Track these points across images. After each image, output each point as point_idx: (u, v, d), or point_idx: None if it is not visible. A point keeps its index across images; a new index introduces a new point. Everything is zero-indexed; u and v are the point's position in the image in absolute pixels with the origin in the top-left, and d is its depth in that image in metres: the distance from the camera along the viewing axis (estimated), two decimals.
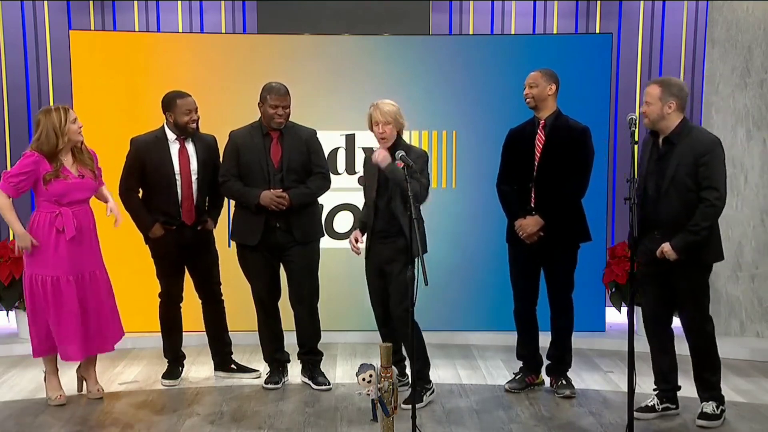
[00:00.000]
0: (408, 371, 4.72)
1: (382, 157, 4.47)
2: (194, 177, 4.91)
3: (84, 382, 4.85)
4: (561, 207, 4.72)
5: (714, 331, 4.35)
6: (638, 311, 5.90)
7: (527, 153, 4.75)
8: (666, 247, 4.18)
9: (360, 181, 4.86)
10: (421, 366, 4.63)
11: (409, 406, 3.96)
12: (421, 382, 4.65)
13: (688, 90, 4.37)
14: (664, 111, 4.23)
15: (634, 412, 4.02)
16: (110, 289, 4.79)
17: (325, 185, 4.99)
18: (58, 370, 4.76)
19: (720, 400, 4.39)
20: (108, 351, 4.81)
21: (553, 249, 4.75)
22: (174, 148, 4.90)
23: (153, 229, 4.90)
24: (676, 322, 4.45)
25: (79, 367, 4.82)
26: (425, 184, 4.52)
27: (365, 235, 4.76)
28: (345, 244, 6.05)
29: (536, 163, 4.71)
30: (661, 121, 4.25)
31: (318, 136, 5.01)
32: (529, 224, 4.70)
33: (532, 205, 4.72)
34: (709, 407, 4.34)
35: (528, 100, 4.77)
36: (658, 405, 4.47)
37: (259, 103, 4.84)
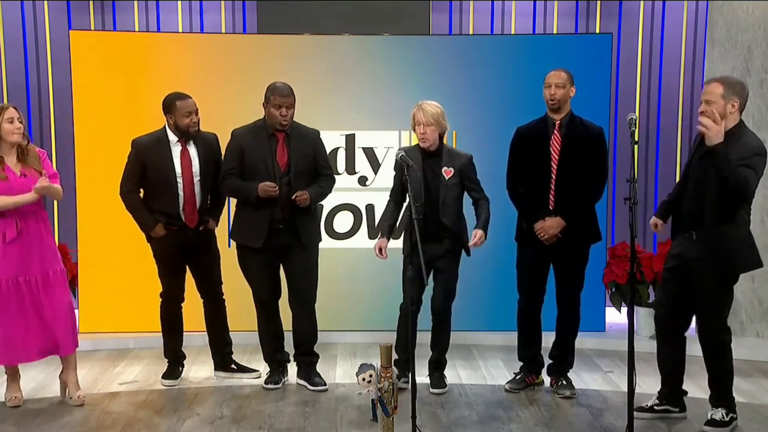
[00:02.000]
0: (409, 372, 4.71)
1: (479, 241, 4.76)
2: (196, 179, 4.88)
3: (66, 388, 4.76)
4: (581, 208, 4.71)
5: (731, 341, 4.26)
6: (638, 311, 5.94)
7: (542, 154, 4.71)
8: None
9: (395, 178, 4.89)
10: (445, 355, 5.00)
11: (442, 390, 4.78)
12: (440, 369, 4.99)
13: (748, 91, 4.23)
14: (726, 110, 4.06)
15: (635, 411, 4.01)
16: (64, 296, 4.65)
17: (332, 186, 5.01)
18: (18, 371, 4.72)
19: (731, 408, 4.30)
20: (61, 355, 4.68)
21: (566, 248, 4.74)
22: (176, 151, 4.87)
23: (155, 229, 4.88)
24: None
25: (61, 372, 4.77)
26: (487, 201, 4.86)
27: (394, 233, 4.92)
28: (345, 244, 6.10)
29: (554, 165, 4.68)
30: (723, 120, 4.03)
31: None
32: (552, 226, 4.68)
33: (551, 208, 4.70)
34: (718, 414, 4.27)
35: (553, 101, 4.68)
36: (657, 406, 4.46)
37: (263, 103, 4.81)
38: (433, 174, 4.73)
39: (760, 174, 4.08)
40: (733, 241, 4.12)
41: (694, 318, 4.37)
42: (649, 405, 4.46)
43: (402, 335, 4.85)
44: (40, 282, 4.55)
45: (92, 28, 6.81)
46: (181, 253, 4.96)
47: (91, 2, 6.85)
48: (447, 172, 4.71)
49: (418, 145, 4.82)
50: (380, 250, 4.81)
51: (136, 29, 6.83)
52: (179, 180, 4.85)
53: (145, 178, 4.90)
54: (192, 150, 4.90)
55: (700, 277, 4.19)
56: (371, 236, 6.01)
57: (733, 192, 4.00)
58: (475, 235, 4.72)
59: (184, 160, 4.86)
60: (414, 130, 4.77)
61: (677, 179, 6.97)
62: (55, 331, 4.60)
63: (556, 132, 4.72)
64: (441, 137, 4.77)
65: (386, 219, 4.97)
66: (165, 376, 5.12)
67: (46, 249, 4.60)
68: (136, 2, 6.87)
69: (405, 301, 4.83)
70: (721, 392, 4.29)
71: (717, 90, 4.08)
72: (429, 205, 4.69)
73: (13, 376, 4.71)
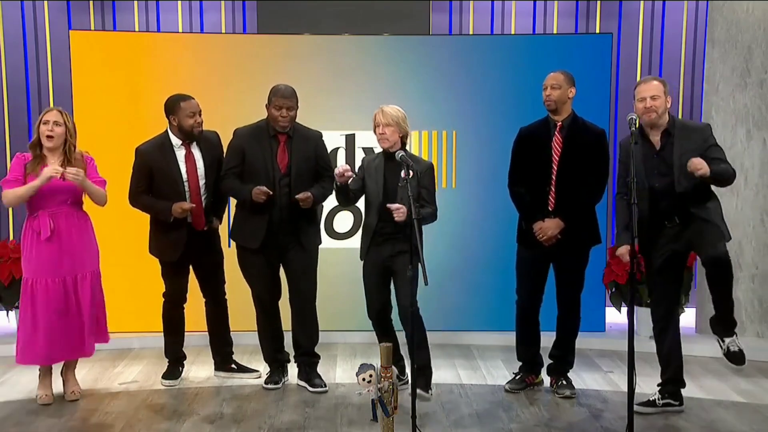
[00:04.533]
0: (408, 371, 4.71)
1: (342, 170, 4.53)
2: (202, 182, 4.86)
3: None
4: (581, 211, 4.72)
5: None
6: (638, 311, 5.94)
7: (543, 156, 4.71)
8: (698, 161, 4.19)
9: (356, 172, 4.84)
10: (427, 358, 4.78)
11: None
12: (426, 375, 4.80)
13: None
14: (666, 105, 4.42)
15: (635, 407, 4.03)
16: (98, 295, 4.75)
17: (333, 188, 5.00)
18: (51, 370, 4.78)
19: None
20: (85, 356, 4.78)
21: (566, 250, 4.74)
22: (180, 154, 4.85)
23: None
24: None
25: (61, 370, 4.82)
26: (435, 210, 4.70)
27: (350, 195, 4.76)
28: (345, 244, 6.11)
29: (555, 167, 4.68)
30: (664, 114, 4.41)
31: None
32: (550, 227, 4.68)
33: (551, 209, 4.70)
34: (735, 346, 4.40)
35: (549, 102, 4.69)
36: (659, 400, 4.51)
37: (266, 105, 4.81)
38: (393, 176, 4.61)
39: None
40: (718, 214, 4.41)
41: (688, 313, 4.48)
42: (651, 399, 4.53)
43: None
44: (72, 283, 4.63)
45: (92, 28, 6.81)
46: (186, 253, 4.93)
47: (91, 2, 6.86)
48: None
49: (380, 152, 4.75)
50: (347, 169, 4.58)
51: (136, 29, 6.84)
52: (185, 183, 4.84)
53: (152, 184, 4.87)
54: (196, 152, 4.89)
55: (702, 247, 4.36)
56: None
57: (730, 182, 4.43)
58: (398, 207, 4.43)
59: (189, 163, 4.85)
60: (375, 132, 4.69)
61: None
62: (82, 332, 4.67)
63: (557, 133, 4.72)
64: (403, 142, 4.67)
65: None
66: (165, 376, 5.12)
67: (83, 250, 4.68)
68: (136, 2, 6.87)
69: (369, 307, 4.78)
70: (728, 307, 4.40)
71: (660, 86, 4.42)
72: (383, 207, 4.59)
73: (47, 372, 4.76)
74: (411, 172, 4.19)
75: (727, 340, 4.40)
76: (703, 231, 4.34)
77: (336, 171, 4.60)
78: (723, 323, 4.41)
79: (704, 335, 5.88)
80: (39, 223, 4.57)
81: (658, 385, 4.58)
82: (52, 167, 4.51)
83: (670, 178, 4.35)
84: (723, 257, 4.30)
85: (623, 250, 4.41)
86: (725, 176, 4.33)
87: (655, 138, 4.42)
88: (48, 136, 4.57)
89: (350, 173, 4.61)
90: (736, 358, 4.37)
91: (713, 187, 4.43)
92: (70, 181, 4.54)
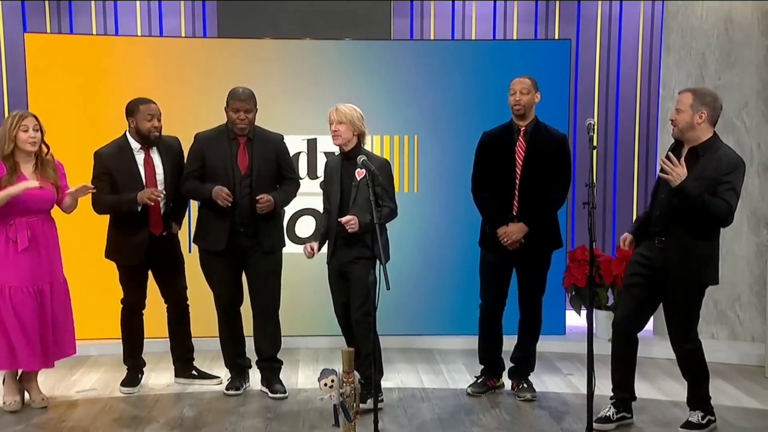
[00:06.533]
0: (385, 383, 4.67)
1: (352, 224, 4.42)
2: (161, 188, 4.80)
3: (26, 394, 4.76)
4: (544, 215, 4.76)
5: (701, 345, 4.37)
6: (597, 314, 6.01)
7: (507, 160, 4.74)
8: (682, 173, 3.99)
9: (321, 185, 4.84)
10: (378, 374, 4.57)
11: (369, 406, 3.94)
12: (377, 389, 4.56)
13: (722, 104, 4.23)
14: (694, 120, 4.11)
15: (594, 423, 4.04)
16: (68, 303, 4.75)
17: (297, 190, 5.01)
18: (18, 375, 4.72)
19: (707, 411, 4.39)
20: (49, 366, 4.73)
21: (529, 254, 4.77)
22: (139, 158, 4.81)
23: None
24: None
25: (20, 379, 4.75)
26: (393, 208, 4.58)
27: (326, 243, 4.72)
28: None
29: (518, 171, 4.72)
30: (690, 130, 4.13)
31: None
32: (514, 231, 4.72)
33: (515, 213, 4.74)
34: (695, 416, 4.36)
35: (518, 107, 4.72)
36: (614, 415, 4.43)
37: (225, 108, 4.80)
38: (348, 177, 4.58)
39: (740, 189, 4.13)
40: (703, 253, 4.19)
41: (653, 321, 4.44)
42: (607, 415, 4.43)
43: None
44: (49, 290, 4.61)
45: (48, 30, 6.69)
46: (144, 259, 4.88)
47: (46, 3, 6.74)
48: (359, 173, 4.49)
49: (340, 153, 4.70)
50: (311, 248, 4.63)
51: (94, 32, 6.74)
52: (144, 188, 4.77)
53: (112, 189, 4.81)
54: (155, 157, 4.85)
55: (669, 286, 4.24)
56: None
57: (717, 219, 4.10)
58: (348, 219, 4.42)
59: (148, 168, 4.80)
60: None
61: (635, 183, 7.10)
62: (55, 341, 4.65)
63: (521, 138, 4.76)
64: (360, 141, 4.62)
65: (319, 228, 4.87)
66: (124, 384, 5.05)
67: (55, 257, 4.67)
68: (93, 4, 6.78)
69: (334, 305, 4.75)
70: (696, 396, 4.39)
71: (687, 100, 4.15)
72: (341, 208, 4.57)
73: (13, 378, 4.68)
74: (364, 171, 4.17)
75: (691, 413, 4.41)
76: (678, 285, 4.22)
77: (305, 253, 4.64)
78: (689, 403, 4.44)
79: (661, 337, 5.96)
80: (16, 232, 4.50)
81: (611, 398, 4.51)
82: (32, 182, 4.48)
83: (675, 195, 4.11)
84: (686, 355, 4.34)
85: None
86: (706, 206, 3.98)
87: (684, 151, 4.22)
88: (29, 143, 4.54)
89: (317, 248, 4.64)
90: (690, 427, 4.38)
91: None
92: (48, 190, 4.57)
